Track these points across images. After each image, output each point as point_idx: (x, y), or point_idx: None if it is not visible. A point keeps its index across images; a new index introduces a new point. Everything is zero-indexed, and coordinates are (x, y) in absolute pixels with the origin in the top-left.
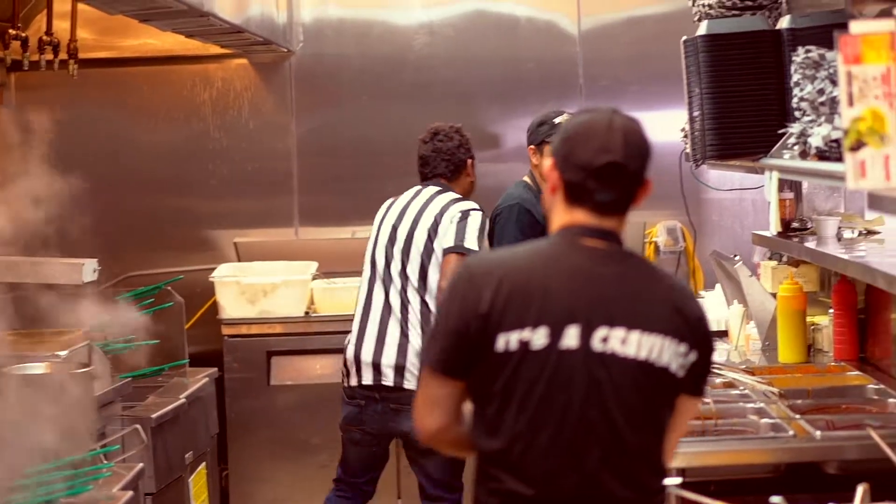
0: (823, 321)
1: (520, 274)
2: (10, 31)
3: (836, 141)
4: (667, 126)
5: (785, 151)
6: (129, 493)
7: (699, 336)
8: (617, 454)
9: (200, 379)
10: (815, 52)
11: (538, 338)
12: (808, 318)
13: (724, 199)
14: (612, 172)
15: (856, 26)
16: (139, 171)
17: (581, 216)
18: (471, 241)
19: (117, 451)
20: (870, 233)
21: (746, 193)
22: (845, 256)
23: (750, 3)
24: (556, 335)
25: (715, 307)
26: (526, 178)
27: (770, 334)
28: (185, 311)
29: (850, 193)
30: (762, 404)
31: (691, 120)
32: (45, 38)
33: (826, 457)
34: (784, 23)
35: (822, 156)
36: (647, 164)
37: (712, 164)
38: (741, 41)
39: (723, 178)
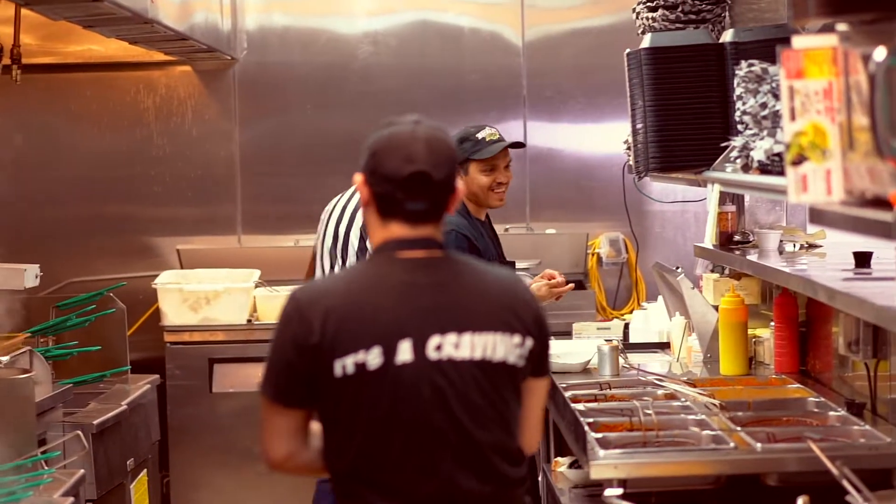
0: (765, 334)
1: (345, 299)
2: None
3: (779, 155)
4: (610, 138)
5: (727, 164)
6: (70, 500)
7: (530, 323)
8: (469, 453)
9: (142, 386)
10: (757, 66)
11: (373, 358)
12: (750, 331)
13: (666, 212)
14: (418, 182)
15: (798, 41)
16: (82, 177)
17: (396, 229)
18: None
19: (58, 458)
20: (811, 246)
21: (689, 206)
22: (787, 269)
23: (693, 17)
24: (389, 352)
25: (657, 319)
26: None
27: (712, 346)
28: (127, 317)
29: (792, 207)
30: (703, 416)
31: (634, 132)
32: None
33: (767, 469)
34: (727, 36)
35: (764, 169)
36: (454, 171)
37: (655, 177)
38: (684, 54)
39: (666, 191)
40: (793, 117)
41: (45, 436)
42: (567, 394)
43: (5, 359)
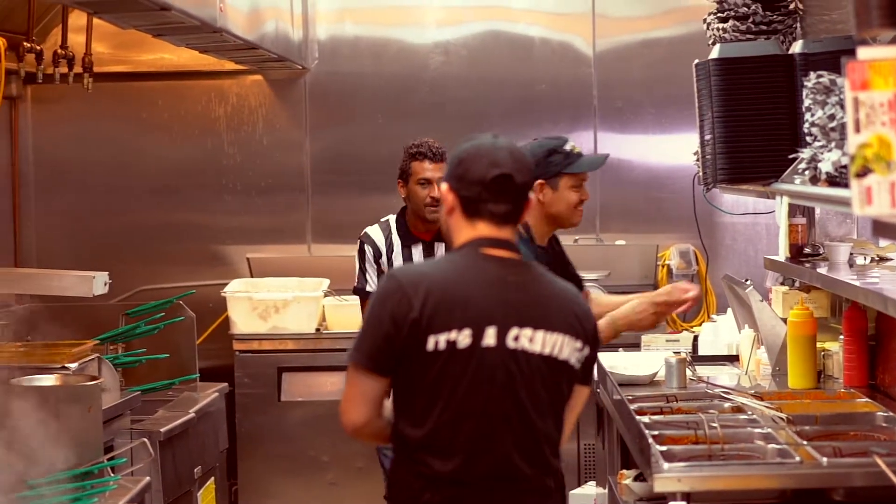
0: (834, 347)
1: (443, 283)
2: (25, 43)
3: (846, 166)
4: (680, 149)
5: (796, 176)
6: None
7: (590, 334)
8: (526, 438)
9: (211, 394)
10: (826, 78)
11: (463, 338)
12: (819, 344)
13: (737, 223)
14: (502, 183)
15: (863, 52)
16: (153, 185)
17: (483, 228)
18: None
19: (125, 465)
20: (882, 259)
21: (760, 218)
22: (857, 283)
23: (765, 28)
24: (478, 335)
25: (726, 331)
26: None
27: (780, 359)
28: (196, 325)
29: (863, 220)
30: (770, 429)
31: (703, 143)
32: (59, 51)
33: (832, 483)
34: (797, 47)
35: (832, 181)
36: (532, 178)
37: (724, 188)
38: (753, 65)
39: (736, 203)
40: (857, 129)
41: (113, 443)
42: (633, 406)
43: (74, 366)
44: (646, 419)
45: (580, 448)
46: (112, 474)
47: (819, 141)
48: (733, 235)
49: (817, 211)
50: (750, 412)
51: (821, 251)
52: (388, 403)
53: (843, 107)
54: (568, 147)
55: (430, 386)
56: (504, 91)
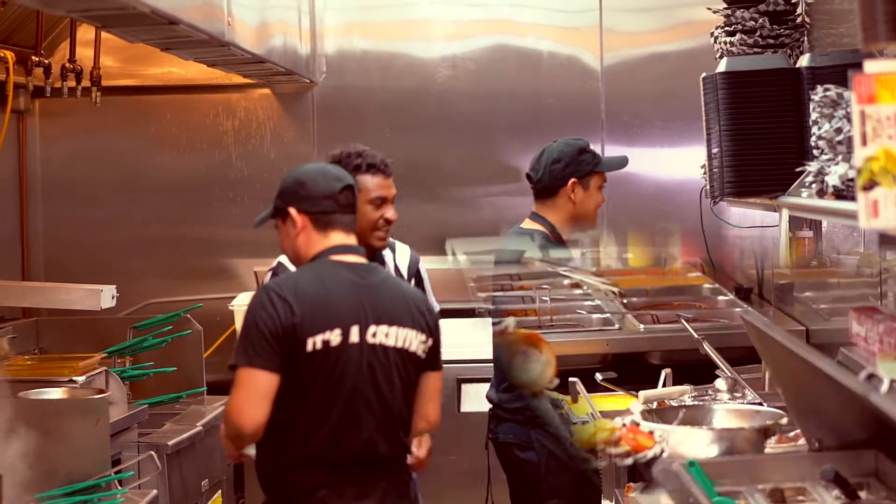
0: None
1: (312, 291)
2: (33, 57)
3: (853, 180)
4: (687, 162)
5: (803, 189)
6: None
7: (432, 326)
8: (385, 421)
9: (218, 407)
10: (833, 91)
11: (335, 337)
12: None
13: (745, 237)
14: (348, 194)
15: (870, 66)
16: (161, 198)
17: (336, 238)
18: None
19: (132, 478)
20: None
21: (767, 231)
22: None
23: (772, 42)
24: (345, 334)
25: None
26: (534, 226)
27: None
28: (204, 339)
29: (869, 233)
30: (599, 302)
31: (710, 157)
32: (67, 65)
33: (648, 347)
34: (804, 61)
35: (839, 194)
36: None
37: (731, 202)
38: (760, 79)
39: (744, 216)
40: (864, 142)
41: (121, 456)
42: (474, 284)
43: (81, 379)
44: (484, 295)
45: None
46: (120, 487)
47: (826, 154)
48: (742, 248)
49: (824, 224)
50: (586, 288)
51: (828, 265)
52: None
53: (849, 120)
54: (593, 147)
55: (307, 381)
56: (512, 105)
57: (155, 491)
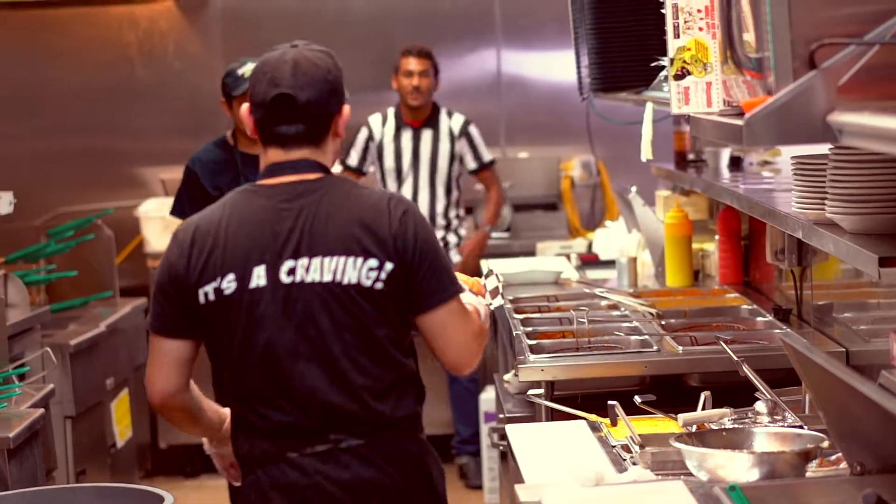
0: (711, 247)
1: (208, 230)
2: None
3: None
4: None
5: (664, 84)
6: (40, 411)
7: (392, 249)
8: (334, 375)
9: (124, 309)
10: None
11: (227, 284)
12: (698, 245)
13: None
14: (282, 104)
15: None
16: (67, 110)
17: (273, 154)
18: None
19: (30, 374)
20: (766, 163)
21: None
22: (728, 186)
23: None
24: (244, 278)
25: (618, 237)
26: (228, 133)
27: (662, 260)
28: (115, 245)
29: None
30: (637, 324)
31: (578, 55)
32: None
33: (687, 370)
34: None
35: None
36: (325, 92)
37: (599, 98)
38: None
39: (634, 113)
40: (677, 34)
41: (23, 356)
42: (513, 305)
43: None
44: (520, 316)
45: (485, 354)
46: (17, 383)
47: None
48: (634, 146)
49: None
50: (623, 309)
51: (704, 157)
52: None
53: None
54: (241, 70)
55: (213, 341)
56: (409, 10)
57: (51, 385)
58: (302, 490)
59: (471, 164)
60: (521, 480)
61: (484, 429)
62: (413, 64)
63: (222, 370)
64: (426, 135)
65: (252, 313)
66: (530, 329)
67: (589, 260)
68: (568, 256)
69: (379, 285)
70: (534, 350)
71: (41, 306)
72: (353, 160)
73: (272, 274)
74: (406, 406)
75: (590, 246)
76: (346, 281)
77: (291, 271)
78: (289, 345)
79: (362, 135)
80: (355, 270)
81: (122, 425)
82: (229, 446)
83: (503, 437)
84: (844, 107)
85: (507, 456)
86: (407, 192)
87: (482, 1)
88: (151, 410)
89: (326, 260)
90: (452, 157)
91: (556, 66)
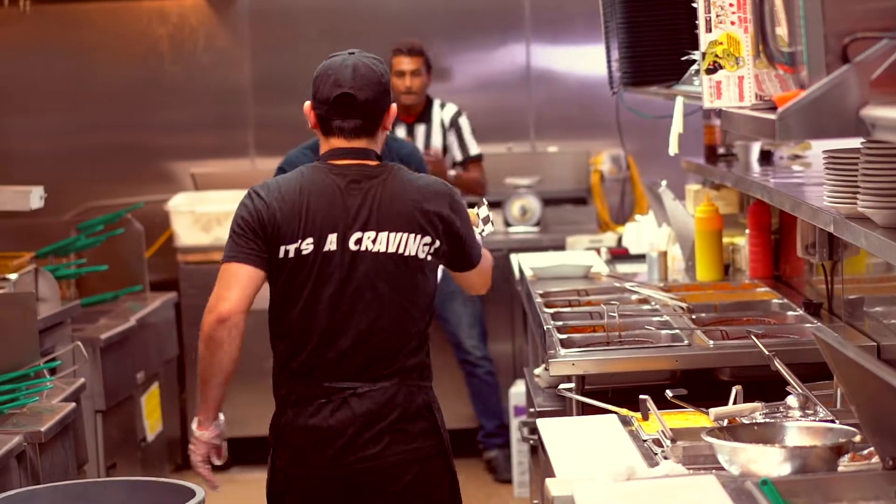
0: (742, 241)
1: (290, 198)
2: None
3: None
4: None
5: (695, 78)
6: (72, 405)
7: (439, 229)
8: (374, 331)
9: (155, 303)
10: None
11: (306, 246)
12: (728, 239)
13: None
14: (344, 102)
15: None
16: (98, 105)
17: (335, 142)
18: None
19: (62, 368)
20: (796, 157)
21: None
22: (759, 180)
23: None
24: (319, 243)
25: (648, 231)
26: None
27: (692, 254)
28: (145, 239)
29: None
30: (668, 318)
31: (608, 49)
32: None
33: (718, 364)
34: None
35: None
36: (379, 93)
37: (630, 92)
38: None
39: (665, 107)
40: (709, 28)
41: (54, 350)
42: (543, 300)
43: (14, 276)
44: (551, 311)
45: (515, 348)
46: (49, 377)
47: None
48: (664, 140)
49: None
50: (654, 303)
51: (734, 151)
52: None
53: None
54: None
55: (282, 291)
56: (439, 5)
57: (82, 379)
58: (344, 427)
59: (456, 154)
60: (552, 475)
61: (514, 423)
62: (405, 63)
63: (286, 314)
64: (420, 130)
65: (322, 272)
66: (561, 323)
67: (619, 254)
68: (598, 251)
69: (430, 258)
70: (564, 344)
71: (72, 300)
72: None
73: (342, 241)
74: (422, 357)
75: (620, 240)
76: (407, 253)
77: (358, 241)
78: (349, 300)
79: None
80: (415, 245)
81: (152, 419)
82: (215, 437)
83: (534, 431)
84: (877, 101)
85: (537, 450)
86: None
87: None
88: (182, 404)
89: (392, 235)
90: (445, 149)
91: (586, 60)
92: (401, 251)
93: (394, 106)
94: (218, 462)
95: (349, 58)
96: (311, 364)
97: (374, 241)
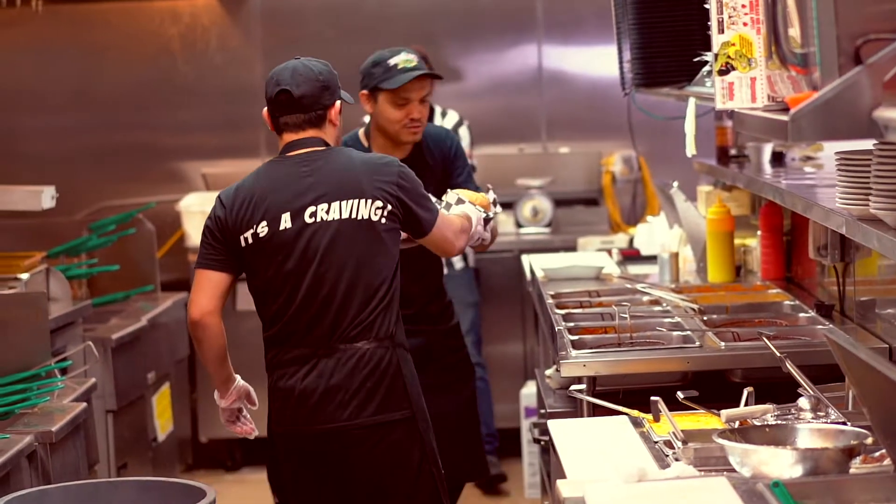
0: (753, 243)
1: (245, 192)
2: None
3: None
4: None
5: (707, 79)
6: (83, 405)
7: (389, 195)
8: (345, 292)
9: (166, 303)
10: None
11: (261, 229)
12: (740, 241)
13: (679, 129)
14: (283, 98)
15: None
16: (110, 105)
17: (287, 137)
18: None
19: (73, 368)
20: (808, 158)
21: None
22: (770, 181)
23: None
24: (274, 223)
25: (660, 232)
26: (360, 131)
27: (704, 256)
28: (156, 239)
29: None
30: (679, 319)
31: (620, 50)
32: None
33: (729, 365)
34: None
35: None
36: (317, 89)
37: (641, 93)
38: None
39: (677, 108)
40: (721, 30)
41: (66, 349)
42: (554, 301)
43: (25, 276)
44: (562, 312)
45: (526, 349)
46: (60, 377)
47: None
48: (676, 142)
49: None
50: (665, 305)
51: (746, 152)
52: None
53: None
54: (394, 61)
55: (254, 271)
56: (449, 5)
57: (94, 379)
58: (314, 388)
59: None
60: (563, 476)
61: (525, 424)
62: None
63: (261, 288)
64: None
65: (283, 247)
66: (572, 324)
67: (630, 255)
68: (609, 252)
69: (385, 220)
70: (576, 345)
71: (83, 300)
72: None
73: (296, 218)
74: (388, 323)
75: (631, 241)
76: (360, 217)
77: (313, 214)
78: (313, 269)
79: None
80: (366, 209)
81: (163, 419)
82: (234, 402)
83: (545, 432)
84: (890, 102)
85: (548, 451)
86: None
87: None
88: (192, 404)
89: (343, 202)
90: None
91: (597, 61)
92: (353, 216)
93: (338, 103)
94: (253, 407)
95: (291, 62)
96: (288, 330)
97: (327, 212)
